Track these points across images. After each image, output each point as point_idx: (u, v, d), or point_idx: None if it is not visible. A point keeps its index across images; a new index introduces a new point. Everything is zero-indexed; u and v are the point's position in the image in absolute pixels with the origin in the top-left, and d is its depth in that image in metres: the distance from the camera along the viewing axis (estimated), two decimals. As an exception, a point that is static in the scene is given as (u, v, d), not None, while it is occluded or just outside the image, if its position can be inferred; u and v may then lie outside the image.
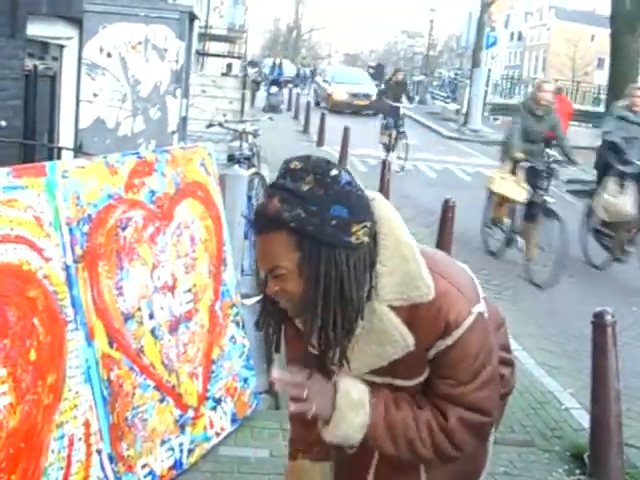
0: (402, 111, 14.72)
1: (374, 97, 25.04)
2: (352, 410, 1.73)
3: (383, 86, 17.01)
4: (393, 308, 1.66)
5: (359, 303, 1.62)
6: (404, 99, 15.23)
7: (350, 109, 25.32)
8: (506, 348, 2.02)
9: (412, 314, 1.66)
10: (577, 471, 3.74)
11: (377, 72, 36.86)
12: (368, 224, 1.62)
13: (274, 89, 25.16)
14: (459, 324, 1.66)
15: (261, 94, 26.75)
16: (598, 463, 3.69)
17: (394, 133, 14.30)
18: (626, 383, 3.87)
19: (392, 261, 1.65)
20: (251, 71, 24.81)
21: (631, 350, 5.46)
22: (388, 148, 14.30)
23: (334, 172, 1.59)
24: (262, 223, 1.60)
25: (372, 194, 1.72)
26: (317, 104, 26.68)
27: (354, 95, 26.07)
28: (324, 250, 1.57)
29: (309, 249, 1.57)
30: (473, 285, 1.80)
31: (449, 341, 1.67)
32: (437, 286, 1.66)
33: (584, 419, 4.17)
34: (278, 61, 29.09)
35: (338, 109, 24.84)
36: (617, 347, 3.69)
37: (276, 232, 1.57)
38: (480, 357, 1.70)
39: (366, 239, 1.61)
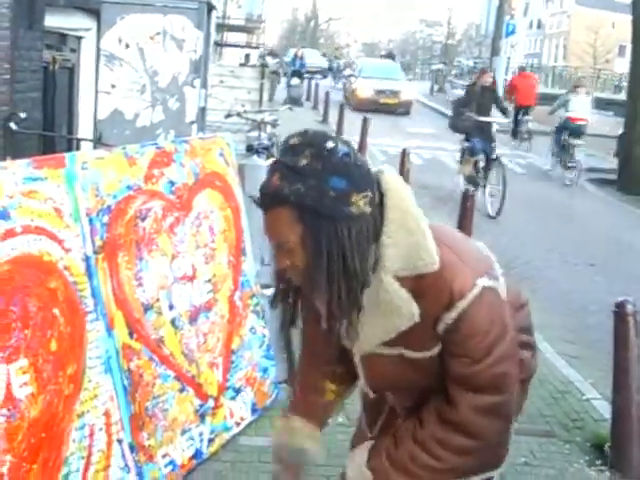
0: (494, 129, 10.62)
1: (403, 94, 23.25)
2: (357, 467, 1.90)
3: (464, 94, 11.60)
4: (399, 279, 1.67)
5: (363, 274, 1.64)
6: (495, 110, 11.20)
7: (375, 107, 21.34)
8: (528, 330, 2.01)
9: (417, 285, 1.67)
10: (598, 462, 3.71)
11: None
12: (369, 194, 1.63)
13: (295, 81, 23.61)
14: (463, 295, 1.66)
15: (282, 86, 25.16)
16: (619, 454, 3.66)
17: (482, 160, 10.30)
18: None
19: (398, 232, 1.66)
20: (272, 62, 23.91)
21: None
22: (474, 181, 10.23)
23: (330, 144, 1.61)
24: (266, 200, 1.64)
25: (381, 167, 1.74)
26: (347, 100, 23.22)
27: (380, 92, 22.75)
28: (325, 222, 1.59)
29: (310, 222, 1.59)
30: (484, 260, 1.79)
31: (454, 313, 1.66)
32: (442, 257, 1.67)
33: (605, 409, 4.14)
34: (299, 52, 27.54)
35: (362, 108, 20.54)
36: (639, 337, 3.66)
37: (279, 208, 1.61)
38: (492, 332, 1.69)
39: (368, 209, 1.62)
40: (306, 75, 27.24)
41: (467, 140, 10.60)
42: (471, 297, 1.66)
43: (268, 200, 1.63)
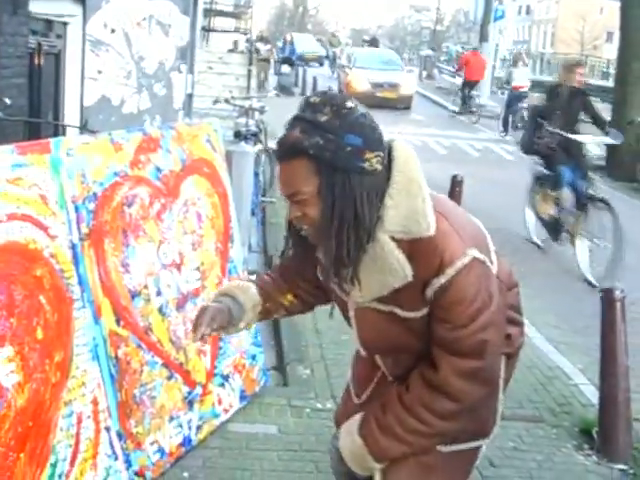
0: (589, 152, 7.66)
1: (403, 87, 20.39)
2: (348, 435, 1.98)
3: (544, 99, 7.53)
4: (395, 240, 1.76)
5: (370, 224, 1.75)
6: (583, 124, 7.42)
7: (372, 102, 14.62)
8: (516, 308, 2.08)
9: (412, 248, 1.76)
10: (585, 446, 3.73)
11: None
12: (381, 154, 1.75)
13: (285, 68, 22.68)
14: (452, 262, 1.74)
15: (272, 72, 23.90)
16: (606, 438, 3.68)
17: (569, 197, 7.01)
18: (635, 359, 3.85)
19: (399, 195, 1.76)
20: (263, 48, 22.79)
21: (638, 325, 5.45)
22: (557, 227, 7.22)
23: (350, 104, 1.74)
24: (284, 151, 1.75)
25: (393, 136, 1.85)
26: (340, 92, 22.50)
27: (377, 85, 20.11)
28: (339, 174, 1.70)
29: (326, 174, 1.71)
30: (478, 234, 1.88)
31: (442, 279, 1.75)
32: (437, 225, 1.76)
33: (593, 395, 4.16)
34: (289, 37, 26.76)
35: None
36: (626, 323, 3.67)
37: (296, 159, 1.72)
38: (477, 301, 1.77)
39: (379, 167, 1.74)
40: (300, 63, 26.10)
41: (547, 166, 7.31)
42: (460, 265, 1.74)
43: (286, 151, 1.74)
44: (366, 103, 1.85)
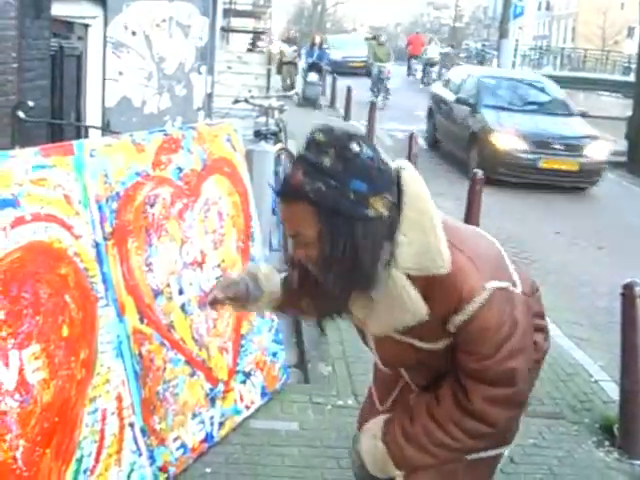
0: None
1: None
2: (371, 440, 1.96)
3: None
4: (410, 277, 1.71)
5: (372, 274, 1.70)
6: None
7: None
8: (539, 315, 2.04)
9: (428, 285, 1.71)
10: (606, 443, 3.73)
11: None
12: (388, 196, 1.67)
13: (313, 76, 18.33)
14: (471, 299, 1.69)
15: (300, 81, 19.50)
16: (627, 435, 3.68)
17: None
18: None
19: (412, 232, 1.70)
20: (288, 50, 20.17)
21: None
22: None
23: (356, 147, 1.65)
24: (286, 192, 1.69)
25: (403, 164, 1.77)
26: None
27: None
28: (341, 222, 1.64)
29: (327, 221, 1.64)
30: (496, 260, 1.83)
31: (463, 316, 1.71)
32: (454, 260, 1.71)
33: (613, 391, 4.15)
34: (318, 40, 20.33)
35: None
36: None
37: (298, 202, 1.66)
38: (501, 331, 1.73)
39: (385, 211, 1.67)
40: (337, 70, 22.09)
41: None
42: (480, 301, 1.70)
43: (288, 192, 1.68)
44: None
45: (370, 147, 1.68)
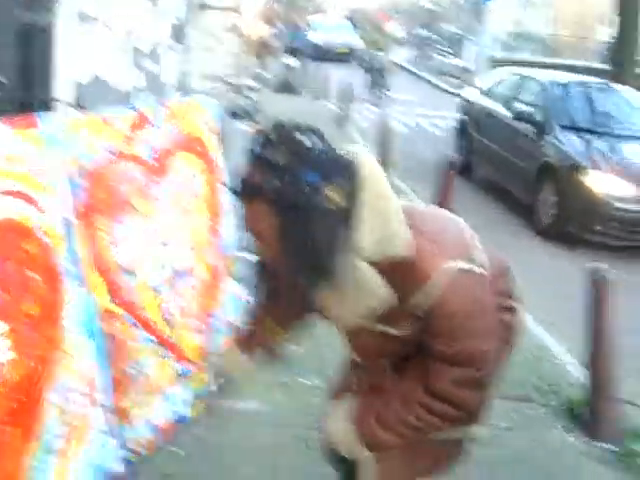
0: None
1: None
2: (341, 421, 1.99)
3: None
4: (372, 263, 1.73)
5: (332, 263, 1.71)
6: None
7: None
8: (508, 294, 2.04)
9: (391, 269, 1.73)
10: (573, 425, 3.78)
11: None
12: (343, 184, 1.70)
13: (291, 61, 17.70)
14: (437, 281, 1.71)
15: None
16: (595, 418, 3.72)
17: None
18: (623, 340, 3.88)
19: (371, 217, 1.71)
20: (266, 32, 17.72)
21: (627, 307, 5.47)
22: None
23: (306, 140, 1.69)
24: (244, 193, 1.75)
25: (356, 149, 1.78)
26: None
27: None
28: (299, 215, 1.66)
29: (285, 215, 1.67)
30: (459, 241, 1.83)
31: (428, 299, 1.72)
32: (414, 243, 1.72)
33: (581, 374, 4.20)
34: (298, 23, 19.53)
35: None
36: (615, 303, 3.70)
37: (256, 200, 1.71)
38: (467, 313, 1.75)
39: (341, 200, 1.69)
40: (318, 57, 20.76)
41: None
42: (445, 282, 1.71)
43: (246, 193, 1.74)
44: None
45: (320, 137, 1.71)
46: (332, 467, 2.31)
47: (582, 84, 9.48)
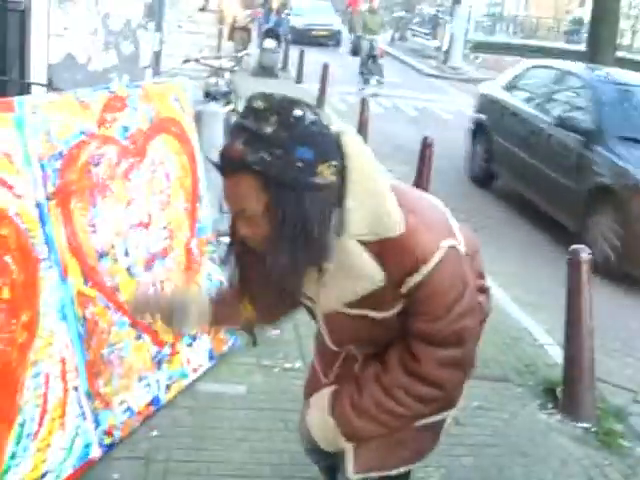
0: None
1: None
2: (319, 415, 1.94)
3: None
4: (363, 243, 1.66)
5: (324, 242, 1.63)
6: None
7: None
8: (481, 275, 2.04)
9: (382, 249, 1.67)
10: (549, 405, 3.81)
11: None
12: (335, 163, 1.61)
13: (269, 43, 16.95)
14: (427, 260, 1.67)
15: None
16: (570, 398, 3.76)
17: None
18: (599, 320, 3.92)
19: (361, 197, 1.65)
20: (242, 14, 17.47)
21: (603, 288, 5.53)
22: None
23: (298, 112, 1.57)
24: (227, 165, 1.59)
25: (342, 127, 1.69)
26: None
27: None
28: (289, 192, 1.56)
29: (274, 191, 1.56)
30: (444, 220, 1.80)
31: (418, 277, 1.68)
32: (406, 222, 1.67)
33: (557, 354, 4.24)
34: (275, 4, 19.35)
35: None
36: (591, 283, 3.73)
37: (240, 174, 1.56)
38: (453, 291, 1.72)
39: (333, 178, 1.60)
40: (298, 40, 20.67)
41: None
42: (435, 261, 1.67)
43: (230, 166, 1.58)
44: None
45: (313, 111, 1.60)
46: (314, 462, 2.30)
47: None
